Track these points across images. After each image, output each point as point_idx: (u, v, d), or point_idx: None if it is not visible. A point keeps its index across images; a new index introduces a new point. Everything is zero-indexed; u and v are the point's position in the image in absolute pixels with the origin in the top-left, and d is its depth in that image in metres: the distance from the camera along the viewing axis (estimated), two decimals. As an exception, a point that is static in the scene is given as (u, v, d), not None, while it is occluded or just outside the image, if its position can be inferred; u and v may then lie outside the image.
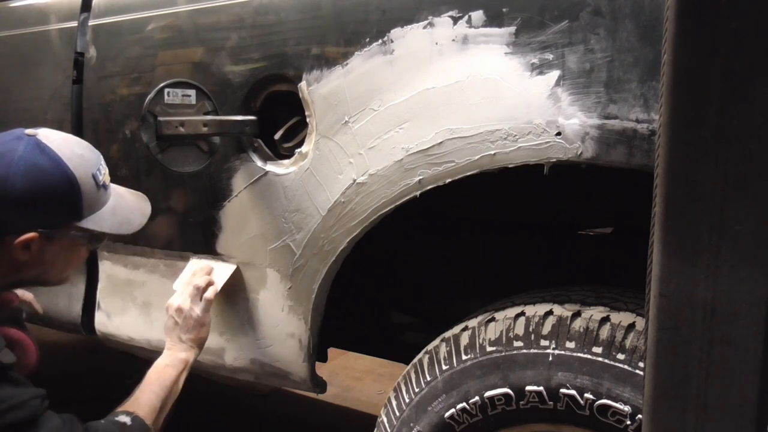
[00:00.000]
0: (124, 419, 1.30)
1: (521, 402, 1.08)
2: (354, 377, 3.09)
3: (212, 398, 2.80)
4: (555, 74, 1.03)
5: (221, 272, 1.48)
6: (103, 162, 1.33)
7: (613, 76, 0.99)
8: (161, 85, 1.29)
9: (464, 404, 1.14)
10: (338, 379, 3.00)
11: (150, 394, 1.36)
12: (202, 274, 1.47)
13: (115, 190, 1.37)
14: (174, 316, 1.44)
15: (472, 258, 1.67)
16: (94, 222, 1.29)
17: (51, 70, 1.74)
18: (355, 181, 1.25)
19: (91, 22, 1.66)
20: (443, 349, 1.20)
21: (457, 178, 1.14)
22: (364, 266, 1.65)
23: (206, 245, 1.50)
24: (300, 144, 1.35)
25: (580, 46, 1.01)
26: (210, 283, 1.45)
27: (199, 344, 1.45)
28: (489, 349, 1.13)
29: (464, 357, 1.16)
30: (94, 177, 1.28)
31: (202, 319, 1.43)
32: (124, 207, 1.37)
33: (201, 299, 1.43)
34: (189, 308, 1.43)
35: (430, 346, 1.25)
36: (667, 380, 0.73)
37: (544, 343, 1.08)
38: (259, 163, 1.39)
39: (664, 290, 0.71)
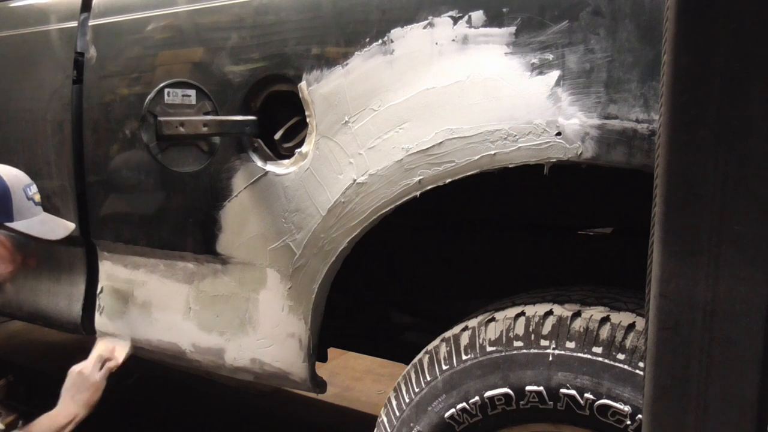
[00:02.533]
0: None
1: (521, 402, 1.08)
2: (354, 377, 3.09)
3: (212, 398, 2.80)
4: (555, 74, 1.03)
5: (121, 348, 1.72)
6: (34, 186, 1.65)
7: (613, 76, 0.99)
8: (161, 85, 1.29)
9: (464, 404, 1.14)
10: (338, 379, 3.00)
11: (42, 429, 1.60)
12: (108, 349, 1.72)
13: (47, 215, 1.67)
14: (74, 378, 1.67)
15: (472, 258, 1.67)
16: (23, 226, 1.57)
17: (51, 70, 1.74)
18: (355, 181, 1.25)
19: (91, 22, 1.66)
20: (443, 349, 1.20)
21: (457, 178, 1.14)
22: (364, 266, 1.65)
23: (206, 245, 1.50)
24: (300, 144, 1.35)
25: (580, 46, 1.01)
26: (112, 357, 1.70)
27: (89, 406, 1.67)
28: (489, 349, 1.13)
29: (464, 357, 1.16)
30: (25, 190, 1.60)
31: (98, 385, 1.67)
32: (51, 221, 1.67)
33: (101, 368, 1.68)
34: (89, 373, 1.67)
35: (430, 346, 1.25)
36: (667, 380, 0.73)
37: (544, 343, 1.08)
38: (259, 163, 1.39)
39: (664, 290, 0.71)
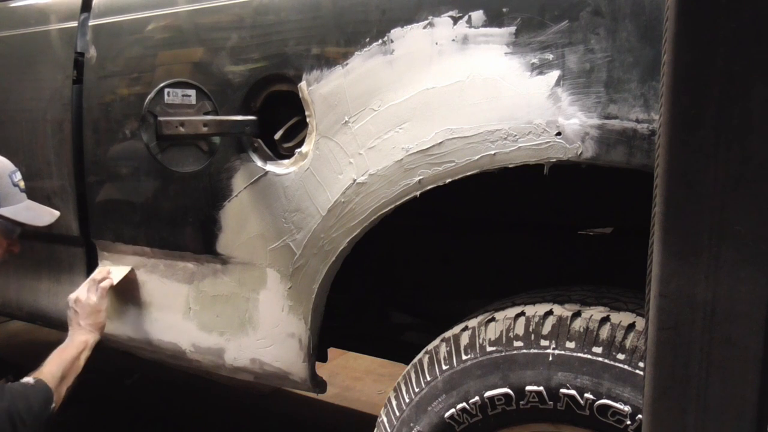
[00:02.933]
0: (28, 379, 1.55)
1: (521, 402, 1.08)
2: (354, 377, 3.09)
3: (212, 398, 2.80)
4: (555, 74, 1.03)
5: (118, 271, 1.70)
6: (19, 173, 1.66)
7: (613, 76, 0.99)
8: (161, 85, 1.29)
9: (464, 404, 1.14)
10: (338, 379, 3.00)
11: (52, 366, 1.59)
12: (100, 272, 1.70)
13: (32, 202, 1.68)
14: (73, 307, 1.67)
15: (472, 258, 1.67)
16: (10, 212, 1.58)
17: (51, 70, 1.74)
18: (355, 181, 1.25)
19: (91, 22, 1.66)
20: (443, 349, 1.20)
21: (457, 178, 1.14)
22: (364, 266, 1.65)
23: (206, 245, 1.50)
24: (300, 144, 1.35)
25: (580, 46, 1.01)
26: (106, 277, 1.67)
27: (98, 328, 1.66)
28: (489, 349, 1.13)
29: (464, 357, 1.16)
30: (10, 176, 1.61)
31: (98, 306, 1.65)
32: (36, 208, 1.68)
33: (97, 289, 1.65)
34: (86, 297, 1.65)
35: (430, 346, 1.25)
36: (667, 380, 0.73)
37: (544, 343, 1.08)
38: (259, 163, 1.39)
39: (664, 290, 0.71)
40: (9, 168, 1.64)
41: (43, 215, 1.67)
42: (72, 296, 1.69)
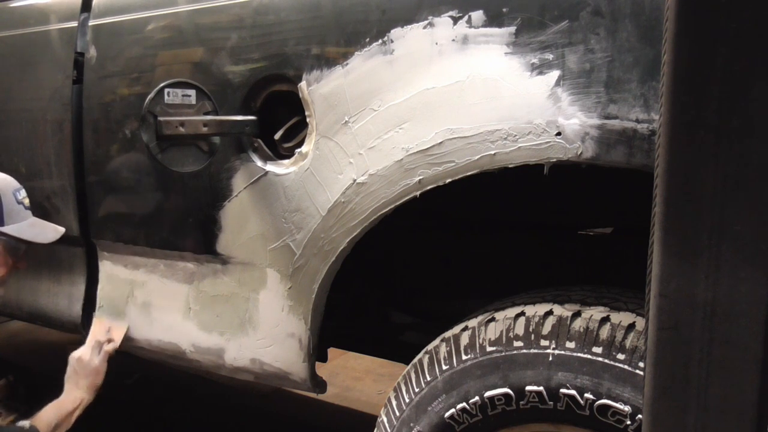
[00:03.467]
0: (24, 424, 1.60)
1: (521, 402, 1.08)
2: (354, 377, 3.09)
3: (212, 398, 2.80)
4: (555, 74, 1.03)
5: (118, 329, 1.73)
6: (23, 190, 1.67)
7: (613, 76, 0.99)
8: (161, 85, 1.29)
9: (464, 404, 1.14)
10: (338, 379, 3.00)
11: (48, 415, 1.63)
12: (104, 331, 1.73)
13: (36, 219, 1.70)
14: (75, 366, 1.70)
15: (472, 258, 1.67)
16: (14, 230, 1.61)
17: (51, 70, 1.74)
18: (355, 181, 1.25)
19: (91, 22, 1.66)
20: (443, 349, 1.20)
21: (457, 178, 1.14)
22: (364, 266, 1.65)
23: (206, 245, 1.50)
24: (300, 144, 1.35)
25: (580, 46, 1.01)
26: (111, 339, 1.70)
27: (94, 390, 1.70)
28: (489, 349, 1.13)
29: (464, 357, 1.16)
30: (14, 194, 1.64)
31: (99, 369, 1.69)
32: (41, 225, 1.70)
33: (100, 351, 1.69)
34: (89, 359, 1.69)
35: (430, 346, 1.25)
36: (667, 380, 0.73)
37: (544, 343, 1.08)
38: (259, 163, 1.39)
39: (664, 290, 0.71)
40: (13, 185, 1.66)
41: (47, 232, 1.69)
42: (75, 354, 1.71)
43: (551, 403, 1.06)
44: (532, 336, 1.09)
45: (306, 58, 1.29)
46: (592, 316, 1.07)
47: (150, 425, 2.60)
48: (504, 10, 1.08)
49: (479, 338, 1.15)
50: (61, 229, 1.71)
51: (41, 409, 1.64)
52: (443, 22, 1.14)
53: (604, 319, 1.06)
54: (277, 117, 1.39)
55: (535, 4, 1.05)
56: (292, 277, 1.39)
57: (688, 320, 0.70)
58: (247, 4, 1.38)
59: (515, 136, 1.06)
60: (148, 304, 1.67)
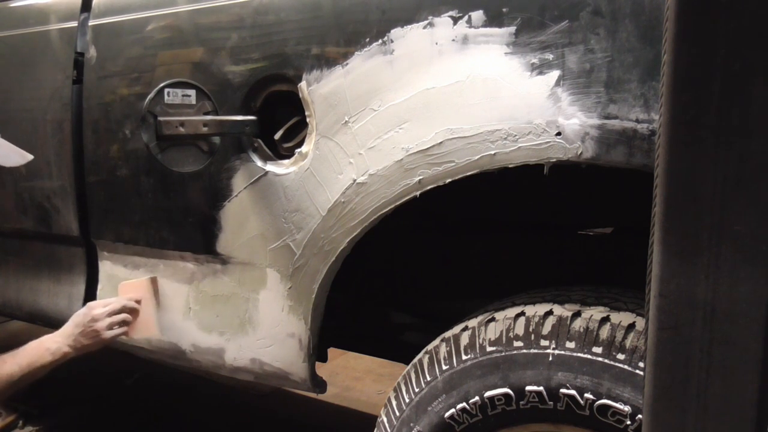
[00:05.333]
0: None
1: (521, 402, 1.08)
2: (354, 377, 3.09)
3: (212, 398, 2.80)
4: (555, 74, 1.03)
5: (145, 327, 1.62)
6: None
7: (613, 76, 0.99)
8: (161, 85, 1.29)
9: (464, 404, 1.14)
10: (338, 379, 3.00)
11: (15, 366, 1.53)
12: (132, 308, 1.60)
13: (3, 141, 1.57)
14: (85, 320, 1.56)
15: (472, 258, 1.67)
16: None
17: (51, 70, 1.74)
18: (355, 181, 1.25)
19: (91, 22, 1.66)
20: (443, 349, 1.20)
21: (457, 178, 1.14)
22: (364, 266, 1.65)
23: (206, 245, 1.50)
24: (300, 144, 1.35)
25: (580, 46, 1.01)
26: (129, 322, 1.59)
27: (83, 351, 1.57)
28: (489, 349, 1.13)
29: (464, 357, 1.16)
30: None
31: (104, 341, 1.57)
32: (5, 146, 1.57)
33: (118, 327, 1.58)
34: (102, 328, 1.56)
35: (430, 346, 1.25)
36: (667, 380, 0.73)
37: (544, 343, 1.08)
38: (259, 163, 1.39)
39: (664, 290, 0.71)
40: None
41: (11, 155, 1.58)
42: (95, 309, 1.58)
43: (551, 403, 1.06)
44: (532, 336, 1.09)
45: (306, 58, 1.29)
46: (592, 316, 1.07)
47: (150, 425, 2.60)
48: (504, 10, 1.08)
49: (479, 338, 1.15)
50: (29, 156, 1.60)
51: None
52: (443, 22, 1.14)
53: (604, 319, 1.06)
54: (277, 117, 1.39)
55: (535, 4, 1.05)
56: (292, 277, 1.39)
57: (688, 320, 0.70)
58: (247, 4, 1.38)
59: (515, 136, 1.06)
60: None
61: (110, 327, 1.58)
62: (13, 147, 1.59)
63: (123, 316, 1.59)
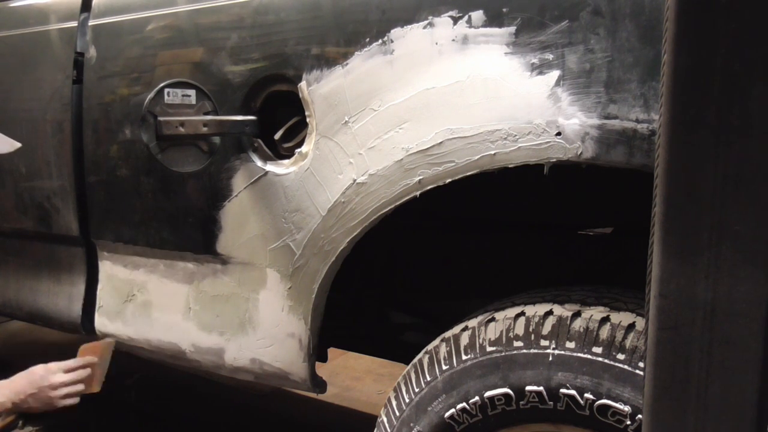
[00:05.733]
0: None
1: (521, 402, 1.08)
2: (354, 377, 3.09)
3: (212, 398, 2.80)
4: (555, 74, 1.03)
5: (99, 378, 1.63)
6: None
7: (613, 76, 0.99)
8: (161, 85, 1.29)
9: (464, 404, 1.14)
10: (338, 379, 3.00)
11: None
12: (86, 371, 1.60)
13: None
14: (44, 377, 1.54)
15: (472, 258, 1.67)
16: None
17: (51, 70, 1.74)
18: (355, 181, 1.25)
19: (91, 22, 1.66)
20: (443, 349, 1.20)
21: (457, 178, 1.14)
22: (364, 266, 1.65)
23: (206, 245, 1.50)
24: (300, 144, 1.35)
25: (580, 46, 1.01)
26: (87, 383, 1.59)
27: (23, 408, 1.55)
28: (489, 349, 1.13)
29: (464, 357, 1.16)
30: None
31: (53, 406, 1.54)
32: None
33: (67, 398, 1.57)
34: (54, 394, 1.53)
35: (430, 346, 1.25)
36: (667, 380, 0.73)
37: (544, 343, 1.08)
38: (259, 163, 1.39)
39: (664, 290, 0.71)
40: None
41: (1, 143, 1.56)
42: (55, 373, 1.57)
43: (551, 403, 1.06)
44: (532, 336, 1.09)
45: (306, 58, 1.29)
46: (592, 316, 1.07)
47: (150, 425, 2.60)
48: (504, 10, 1.08)
49: (479, 338, 1.15)
50: (17, 144, 1.59)
51: (35, 418, 1.54)
52: (443, 22, 1.14)
53: (604, 319, 1.06)
54: (277, 117, 1.39)
55: (535, 4, 1.05)
56: (292, 277, 1.39)
57: (688, 320, 0.70)
58: (247, 4, 1.38)
59: (515, 136, 1.06)
60: (148, 304, 1.67)
61: (65, 397, 1.57)
62: (4, 137, 1.58)
63: (79, 386, 1.59)
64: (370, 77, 1.22)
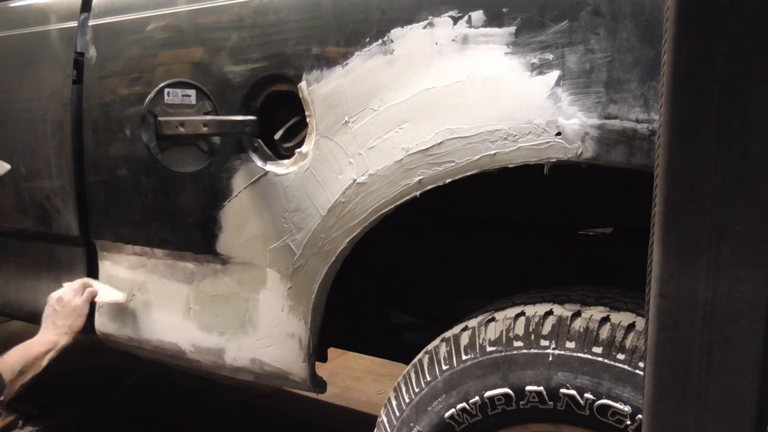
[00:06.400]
0: None
1: (521, 402, 1.08)
2: (354, 377, 3.09)
3: (212, 398, 2.80)
4: (555, 74, 1.03)
5: (110, 292, 1.67)
6: None
7: (613, 76, 0.99)
8: (161, 85, 1.29)
9: (464, 404, 1.14)
10: (338, 379, 3.00)
11: (13, 358, 1.52)
12: (89, 281, 1.67)
13: None
14: (54, 305, 1.60)
15: (472, 258, 1.67)
16: None
17: (51, 70, 1.74)
18: (355, 181, 1.25)
19: (91, 22, 1.66)
20: (443, 349, 1.20)
21: (457, 178, 1.14)
22: (364, 266, 1.65)
23: (206, 245, 1.50)
24: (300, 144, 1.35)
25: (580, 46, 1.01)
26: (94, 290, 1.64)
27: (72, 331, 1.59)
28: (489, 349, 1.13)
29: (464, 357, 1.16)
30: None
31: (81, 309, 1.60)
32: None
33: (83, 293, 1.61)
34: (70, 298, 1.59)
35: (430, 346, 1.25)
36: (667, 380, 0.73)
37: (544, 343, 1.08)
38: (259, 163, 1.39)
39: (664, 290, 0.71)
40: None
41: None
42: (54, 294, 1.63)
43: (551, 403, 1.06)
44: (532, 336, 1.09)
45: (306, 58, 1.29)
46: (592, 316, 1.07)
47: (150, 425, 2.60)
48: (504, 10, 1.08)
49: (479, 338, 1.15)
50: (7, 166, 1.60)
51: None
52: (443, 22, 1.14)
53: (604, 319, 1.06)
54: (277, 117, 1.39)
55: (535, 4, 1.05)
56: (292, 277, 1.39)
57: (688, 320, 0.70)
58: (247, 4, 1.38)
59: (515, 136, 1.06)
60: (148, 304, 1.67)
61: (77, 294, 1.61)
62: None
63: (84, 279, 1.65)
64: (370, 77, 1.22)
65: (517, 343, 1.10)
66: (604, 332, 1.04)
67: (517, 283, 1.36)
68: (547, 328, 1.09)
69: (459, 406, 1.14)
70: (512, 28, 1.07)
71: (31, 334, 1.67)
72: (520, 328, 1.11)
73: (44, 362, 1.56)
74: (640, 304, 1.07)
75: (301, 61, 1.30)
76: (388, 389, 1.34)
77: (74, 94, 1.69)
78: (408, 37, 1.17)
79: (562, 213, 1.57)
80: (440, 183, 1.16)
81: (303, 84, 1.29)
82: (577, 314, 1.08)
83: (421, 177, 1.17)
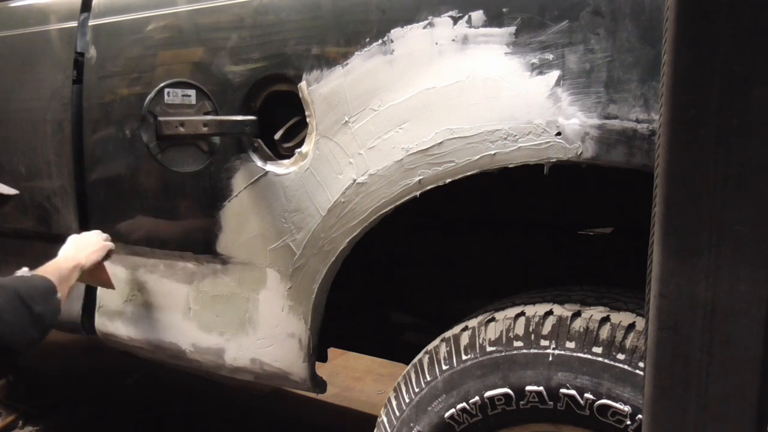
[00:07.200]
0: (22, 272, 1.44)
1: (521, 402, 1.08)
2: (354, 377, 3.09)
3: (212, 398, 2.80)
4: (555, 74, 1.03)
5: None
6: None
7: (613, 76, 0.99)
8: (161, 85, 1.29)
9: (464, 404, 1.14)
10: (338, 379, 3.00)
11: (49, 269, 1.47)
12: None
13: None
14: (74, 239, 1.58)
15: (472, 258, 1.67)
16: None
17: (51, 70, 1.74)
18: (355, 181, 1.25)
19: (91, 22, 1.66)
20: (443, 349, 1.20)
21: (457, 178, 1.14)
22: (364, 266, 1.65)
23: (206, 245, 1.50)
24: (300, 144, 1.35)
25: (580, 46, 1.01)
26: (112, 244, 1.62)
27: (90, 260, 1.55)
28: (489, 349, 1.13)
29: (464, 357, 1.16)
30: None
31: (103, 244, 1.58)
32: None
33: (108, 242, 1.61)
34: (92, 234, 1.59)
35: (430, 346, 1.25)
36: (667, 380, 0.73)
37: (544, 343, 1.08)
38: (259, 163, 1.39)
39: (664, 290, 0.71)
40: None
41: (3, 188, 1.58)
42: (74, 235, 1.61)
43: (551, 403, 1.06)
44: (532, 336, 1.09)
45: (306, 58, 1.29)
46: (592, 316, 1.07)
47: (150, 425, 2.60)
48: (504, 10, 1.08)
49: (479, 338, 1.15)
50: (13, 191, 1.62)
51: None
52: (443, 22, 1.14)
53: (604, 319, 1.06)
54: (277, 117, 1.39)
55: (535, 4, 1.05)
56: (292, 277, 1.39)
57: (688, 320, 0.70)
58: (247, 4, 1.38)
59: (515, 136, 1.06)
60: (148, 304, 1.67)
61: (99, 236, 1.61)
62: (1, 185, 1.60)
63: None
64: (370, 77, 1.22)
65: (517, 343, 1.10)
66: (604, 332, 1.04)
67: (517, 283, 1.36)
68: (547, 328, 1.09)
69: (459, 406, 1.14)
70: (512, 28, 1.07)
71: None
72: (520, 328, 1.11)
73: (72, 279, 1.51)
74: (640, 304, 1.07)
75: (301, 61, 1.30)
76: (388, 389, 1.34)
77: (74, 94, 1.69)
78: (408, 37, 1.17)
79: (562, 213, 1.57)
80: (440, 183, 1.16)
81: (303, 84, 1.29)
82: (577, 314, 1.08)
83: (421, 177, 1.17)
